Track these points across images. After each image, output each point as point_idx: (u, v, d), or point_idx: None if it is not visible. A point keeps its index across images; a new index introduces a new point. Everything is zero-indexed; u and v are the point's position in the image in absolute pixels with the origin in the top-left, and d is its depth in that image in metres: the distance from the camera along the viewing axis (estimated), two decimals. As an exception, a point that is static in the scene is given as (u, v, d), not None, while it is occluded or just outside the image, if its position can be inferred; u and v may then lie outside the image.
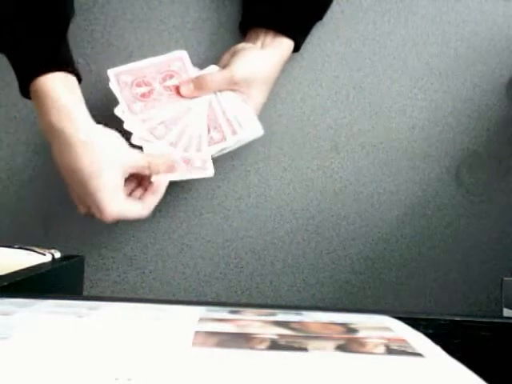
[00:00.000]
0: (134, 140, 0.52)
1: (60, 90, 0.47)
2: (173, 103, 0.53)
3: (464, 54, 0.62)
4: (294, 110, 0.61)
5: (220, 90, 0.54)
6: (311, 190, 0.61)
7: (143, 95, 0.53)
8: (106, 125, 0.51)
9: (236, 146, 0.56)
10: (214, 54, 0.59)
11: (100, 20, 0.60)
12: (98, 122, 0.50)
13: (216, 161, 0.61)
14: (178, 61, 0.54)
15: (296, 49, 0.57)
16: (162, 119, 0.53)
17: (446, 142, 0.62)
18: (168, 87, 0.53)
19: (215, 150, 0.53)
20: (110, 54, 0.60)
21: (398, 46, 0.62)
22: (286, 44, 0.55)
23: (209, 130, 0.53)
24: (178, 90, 0.53)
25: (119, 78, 0.52)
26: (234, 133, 0.53)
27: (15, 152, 0.59)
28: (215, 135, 0.53)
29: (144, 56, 0.58)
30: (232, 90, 0.54)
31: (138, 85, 0.53)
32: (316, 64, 0.61)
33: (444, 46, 0.62)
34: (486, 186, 0.63)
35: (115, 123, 0.52)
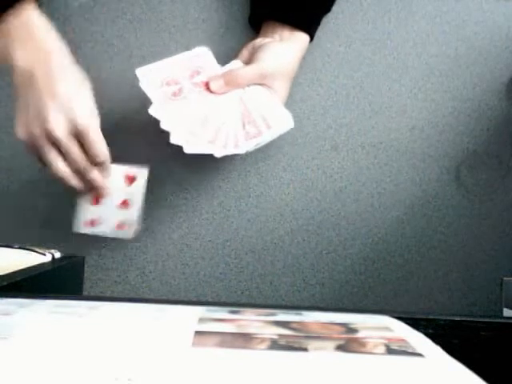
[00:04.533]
0: (173, 139, 0.50)
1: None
2: (204, 100, 0.53)
3: (464, 54, 0.62)
4: (293, 110, 0.61)
5: (248, 85, 0.53)
6: (311, 189, 0.61)
7: (174, 94, 0.52)
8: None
9: (268, 140, 0.55)
10: (215, 53, 0.59)
11: (100, 20, 0.60)
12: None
13: (216, 161, 0.61)
14: (201, 58, 0.54)
15: (309, 41, 0.57)
16: (196, 117, 0.52)
17: (445, 142, 0.62)
18: (197, 84, 0.53)
19: (252, 144, 0.52)
20: (110, 54, 0.60)
21: (397, 45, 0.62)
22: (304, 38, 0.56)
23: (243, 125, 0.53)
24: (207, 85, 0.53)
25: (148, 78, 0.52)
26: (269, 126, 0.53)
27: (15, 152, 0.59)
28: (250, 130, 0.52)
29: (144, 56, 0.58)
30: (259, 84, 0.53)
31: (168, 83, 0.52)
32: (316, 64, 0.61)
33: (444, 46, 0.62)
34: (486, 186, 0.63)
35: (150, 122, 0.51)
